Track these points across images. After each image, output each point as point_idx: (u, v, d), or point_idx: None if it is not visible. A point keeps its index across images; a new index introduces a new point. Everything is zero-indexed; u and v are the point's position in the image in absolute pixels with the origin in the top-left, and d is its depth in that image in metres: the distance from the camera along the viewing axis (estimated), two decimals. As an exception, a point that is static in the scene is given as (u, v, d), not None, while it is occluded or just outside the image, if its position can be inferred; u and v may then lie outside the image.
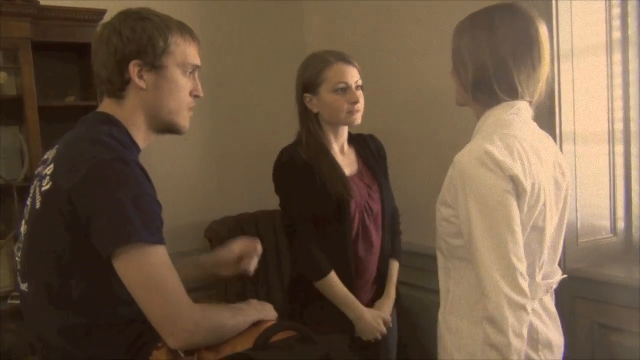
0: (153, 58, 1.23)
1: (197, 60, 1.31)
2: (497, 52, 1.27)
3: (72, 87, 2.59)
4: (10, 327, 2.30)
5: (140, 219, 1.11)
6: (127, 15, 1.25)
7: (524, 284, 1.20)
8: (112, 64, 1.23)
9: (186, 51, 1.28)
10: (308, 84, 1.86)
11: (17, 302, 1.31)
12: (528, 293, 1.20)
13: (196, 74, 1.33)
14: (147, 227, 1.12)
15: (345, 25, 2.94)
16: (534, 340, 1.29)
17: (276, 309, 1.42)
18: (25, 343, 2.26)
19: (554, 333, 1.35)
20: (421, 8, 2.52)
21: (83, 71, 2.55)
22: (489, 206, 1.20)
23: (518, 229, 1.20)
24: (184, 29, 1.29)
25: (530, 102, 1.32)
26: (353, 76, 1.84)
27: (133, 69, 1.22)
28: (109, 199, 1.10)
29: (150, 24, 1.24)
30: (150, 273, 1.13)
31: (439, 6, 2.40)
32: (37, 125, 2.27)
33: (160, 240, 1.14)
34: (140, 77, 1.24)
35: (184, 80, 1.28)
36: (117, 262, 1.12)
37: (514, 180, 1.19)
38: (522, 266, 1.20)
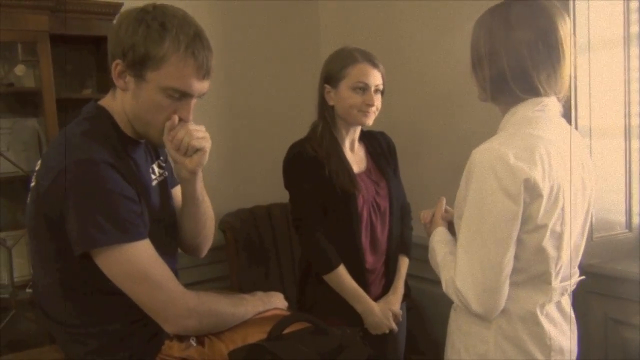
0: (134, 65, 1.17)
1: (187, 86, 1.17)
2: (514, 51, 1.22)
3: (89, 79, 2.62)
4: (29, 316, 2.34)
5: (109, 220, 1.11)
6: (136, 13, 1.19)
7: (489, 294, 1.20)
8: (109, 55, 1.22)
9: (176, 73, 1.15)
10: (330, 76, 1.87)
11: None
12: (492, 305, 1.22)
13: (192, 100, 1.21)
14: (119, 227, 1.12)
15: (360, 24, 2.93)
16: (547, 346, 1.26)
17: (288, 299, 1.43)
18: (44, 331, 2.31)
19: (568, 338, 1.32)
20: (437, 5, 2.50)
21: (100, 64, 2.57)
22: (482, 211, 1.19)
23: (509, 240, 1.19)
24: (188, 44, 1.15)
25: (557, 98, 1.28)
26: (375, 79, 1.85)
27: (115, 67, 1.20)
28: (75, 202, 1.11)
29: (145, 30, 1.15)
30: (132, 269, 1.14)
31: (455, 4, 2.39)
32: (55, 117, 2.29)
33: (136, 236, 1.14)
34: (123, 78, 1.20)
35: (166, 102, 1.19)
36: (96, 260, 1.14)
37: (526, 184, 1.16)
38: (495, 275, 1.19)
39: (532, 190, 1.17)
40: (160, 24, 1.15)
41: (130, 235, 1.14)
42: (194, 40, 1.16)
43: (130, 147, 1.27)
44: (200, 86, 1.20)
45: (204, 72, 1.18)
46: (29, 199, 1.24)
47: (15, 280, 2.34)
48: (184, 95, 1.19)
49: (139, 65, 1.16)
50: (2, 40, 2.25)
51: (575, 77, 1.93)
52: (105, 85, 2.49)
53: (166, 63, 1.15)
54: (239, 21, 2.98)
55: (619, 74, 2.04)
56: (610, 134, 2.04)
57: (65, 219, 1.12)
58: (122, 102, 1.24)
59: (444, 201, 1.49)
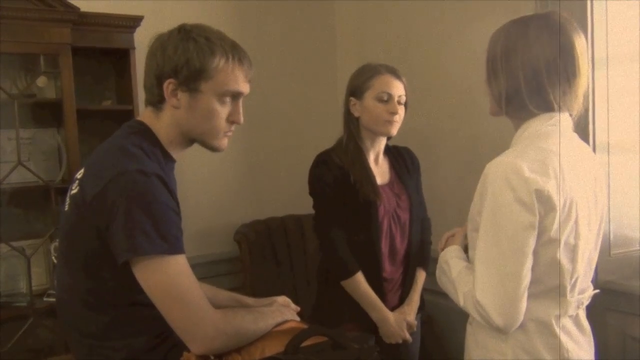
0: (188, 80, 1.23)
1: (238, 87, 1.28)
2: (530, 65, 1.23)
3: (108, 91, 2.66)
4: (47, 324, 2.36)
5: (157, 230, 1.13)
6: (178, 32, 1.25)
7: (510, 306, 1.19)
8: (153, 78, 1.26)
9: (228, 78, 1.25)
10: (355, 88, 1.94)
11: (53, 299, 1.35)
12: (513, 318, 1.20)
13: (240, 101, 1.31)
14: (164, 238, 1.13)
15: (376, 28, 2.93)
16: (564, 358, 1.26)
17: (301, 309, 1.46)
18: (61, 340, 2.33)
19: (585, 351, 1.32)
20: (453, 9, 2.51)
21: (120, 76, 2.61)
22: (499, 223, 1.19)
23: (527, 251, 1.19)
24: (233, 53, 1.26)
25: (571, 115, 1.29)
26: (398, 90, 1.91)
27: (167, 87, 1.24)
28: (125, 210, 1.12)
29: (194, 45, 1.22)
30: (169, 282, 1.15)
31: (472, 7, 2.40)
32: (75, 128, 2.33)
33: (178, 250, 1.16)
34: (175, 95, 1.24)
35: (220, 107, 1.27)
36: (135, 270, 1.15)
37: (541, 196, 1.17)
38: (515, 286, 1.19)
39: (546, 202, 1.18)
40: (205, 39, 1.24)
41: (173, 248, 1.15)
42: (235, 48, 1.27)
43: (170, 165, 1.31)
44: (246, 87, 1.31)
45: (250, 75, 1.31)
46: (67, 206, 1.25)
47: (33, 289, 2.36)
48: (235, 97, 1.29)
49: (194, 79, 1.23)
50: (25, 53, 2.31)
51: (593, 92, 1.93)
52: (124, 97, 2.55)
53: (218, 72, 1.24)
54: (253, 27, 2.99)
55: (637, 88, 2.03)
56: (629, 150, 2.03)
57: (110, 227, 1.13)
58: (171, 119, 1.28)
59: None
